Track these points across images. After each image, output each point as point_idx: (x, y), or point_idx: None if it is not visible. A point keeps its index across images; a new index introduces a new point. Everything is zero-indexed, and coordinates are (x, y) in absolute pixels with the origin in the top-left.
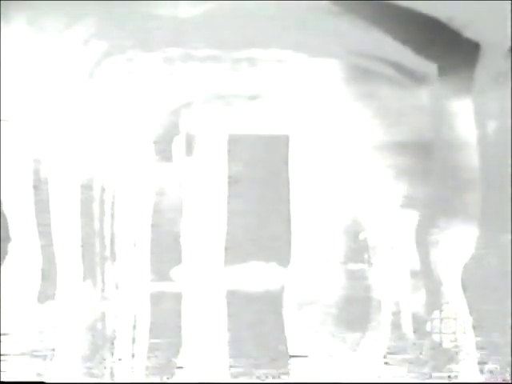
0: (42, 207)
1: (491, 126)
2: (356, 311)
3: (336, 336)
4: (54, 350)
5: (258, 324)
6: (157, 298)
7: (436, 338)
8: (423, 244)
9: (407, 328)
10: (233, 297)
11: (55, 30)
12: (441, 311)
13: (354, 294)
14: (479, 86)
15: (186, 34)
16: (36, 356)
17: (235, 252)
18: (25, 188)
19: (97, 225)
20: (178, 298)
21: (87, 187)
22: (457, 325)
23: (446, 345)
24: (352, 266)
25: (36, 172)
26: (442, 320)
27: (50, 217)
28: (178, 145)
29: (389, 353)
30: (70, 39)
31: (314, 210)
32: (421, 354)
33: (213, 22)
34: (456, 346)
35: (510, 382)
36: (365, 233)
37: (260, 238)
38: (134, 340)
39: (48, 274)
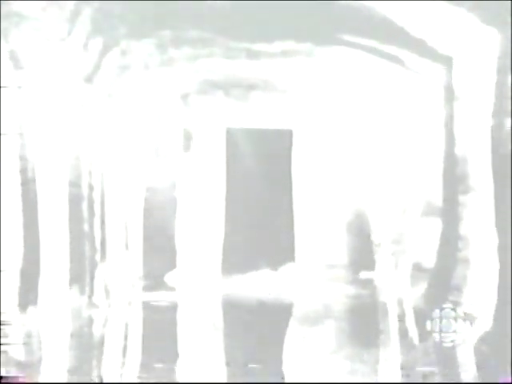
0: (28, 207)
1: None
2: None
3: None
4: (40, 361)
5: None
6: (150, 306)
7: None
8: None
9: (415, 336)
10: (231, 306)
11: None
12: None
13: (367, 304)
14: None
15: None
16: (21, 369)
17: (233, 257)
18: (11, 187)
19: (86, 226)
20: (172, 305)
21: (75, 185)
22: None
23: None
24: (365, 275)
25: (23, 171)
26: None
27: (37, 217)
28: (174, 141)
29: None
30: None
31: (320, 213)
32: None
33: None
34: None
35: (510, 382)
36: (380, 237)
37: (260, 242)
38: (124, 351)
39: (31, 278)
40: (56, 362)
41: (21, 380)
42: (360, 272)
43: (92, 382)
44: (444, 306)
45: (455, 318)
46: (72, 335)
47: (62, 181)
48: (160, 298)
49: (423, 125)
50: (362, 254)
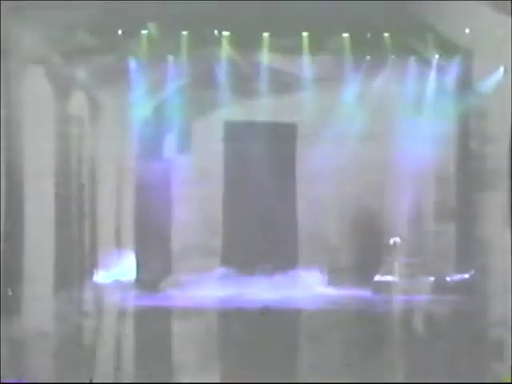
0: (13, 210)
1: None
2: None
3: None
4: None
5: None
6: (144, 314)
7: None
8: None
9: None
10: (230, 314)
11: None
12: None
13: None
14: None
15: None
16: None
17: (233, 261)
18: None
19: (75, 229)
20: (168, 314)
21: (64, 185)
22: None
23: None
24: (379, 278)
25: (8, 173)
26: None
27: (22, 220)
28: (170, 138)
29: None
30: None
31: (326, 214)
32: None
33: None
34: None
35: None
36: (395, 238)
37: (262, 245)
38: (117, 359)
39: (14, 285)
40: (43, 370)
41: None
42: (373, 276)
43: (91, 382)
44: None
45: None
46: (60, 344)
47: (49, 182)
48: (154, 304)
49: (438, 121)
50: (373, 257)
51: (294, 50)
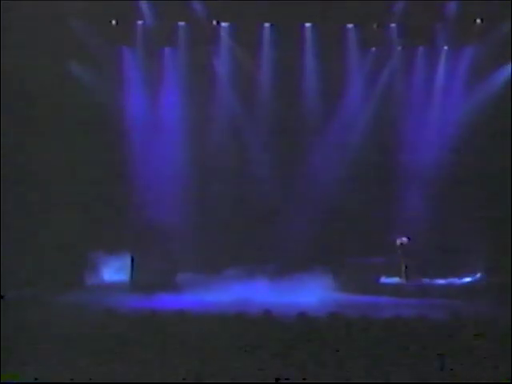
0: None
1: None
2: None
3: None
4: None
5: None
6: (146, 314)
7: None
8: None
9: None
10: (234, 316)
11: None
12: None
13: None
14: None
15: None
16: None
17: (236, 262)
18: None
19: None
20: (163, 316)
21: (60, 184)
22: None
23: None
24: (385, 280)
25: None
26: None
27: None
28: (174, 135)
29: None
30: None
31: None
32: None
33: None
34: None
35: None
36: (402, 238)
37: (264, 244)
38: (121, 360)
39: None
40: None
41: None
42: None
43: (91, 381)
44: None
45: None
46: (63, 341)
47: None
48: (158, 305)
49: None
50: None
51: None
